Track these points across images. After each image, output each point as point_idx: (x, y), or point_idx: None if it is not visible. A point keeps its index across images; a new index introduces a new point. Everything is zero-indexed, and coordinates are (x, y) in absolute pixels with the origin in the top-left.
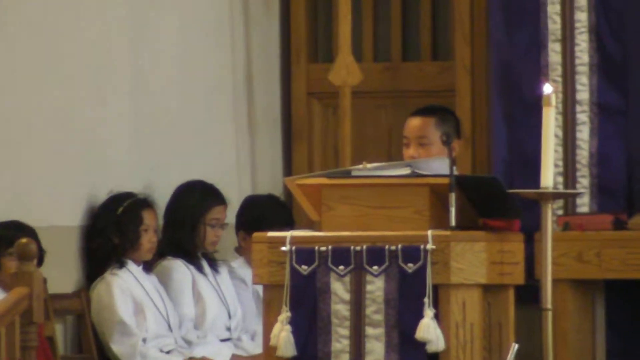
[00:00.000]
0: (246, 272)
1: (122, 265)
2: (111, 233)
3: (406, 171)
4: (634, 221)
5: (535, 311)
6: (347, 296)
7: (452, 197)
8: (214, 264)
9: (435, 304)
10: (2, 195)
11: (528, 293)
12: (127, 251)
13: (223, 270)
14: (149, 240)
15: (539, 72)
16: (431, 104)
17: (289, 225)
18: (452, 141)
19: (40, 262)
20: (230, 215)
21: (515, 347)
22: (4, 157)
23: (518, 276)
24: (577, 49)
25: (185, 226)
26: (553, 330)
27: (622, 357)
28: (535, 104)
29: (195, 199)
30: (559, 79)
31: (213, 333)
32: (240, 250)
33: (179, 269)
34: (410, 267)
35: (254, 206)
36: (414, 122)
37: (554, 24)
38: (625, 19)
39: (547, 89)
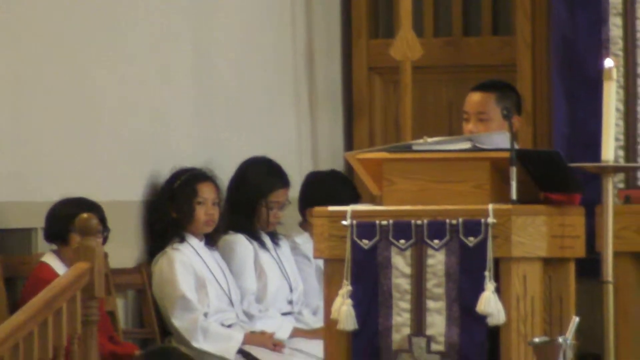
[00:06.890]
0: (310, 248)
1: (182, 239)
2: (168, 207)
3: (467, 145)
4: None
5: (596, 284)
6: (408, 270)
7: (513, 170)
8: (274, 238)
9: (496, 278)
10: (67, 171)
11: (589, 266)
12: (184, 224)
13: (284, 244)
14: (205, 213)
15: (600, 47)
16: (492, 79)
17: (355, 200)
18: (512, 116)
19: (105, 240)
20: (293, 190)
21: (576, 320)
22: (69, 134)
23: (579, 249)
24: (638, 22)
25: (246, 206)
26: (614, 303)
27: None
28: (596, 79)
29: (260, 179)
30: (620, 53)
31: (274, 307)
32: (305, 226)
33: (241, 243)
34: (471, 241)
35: (318, 183)
36: (475, 98)
37: None
38: None
39: (608, 63)
